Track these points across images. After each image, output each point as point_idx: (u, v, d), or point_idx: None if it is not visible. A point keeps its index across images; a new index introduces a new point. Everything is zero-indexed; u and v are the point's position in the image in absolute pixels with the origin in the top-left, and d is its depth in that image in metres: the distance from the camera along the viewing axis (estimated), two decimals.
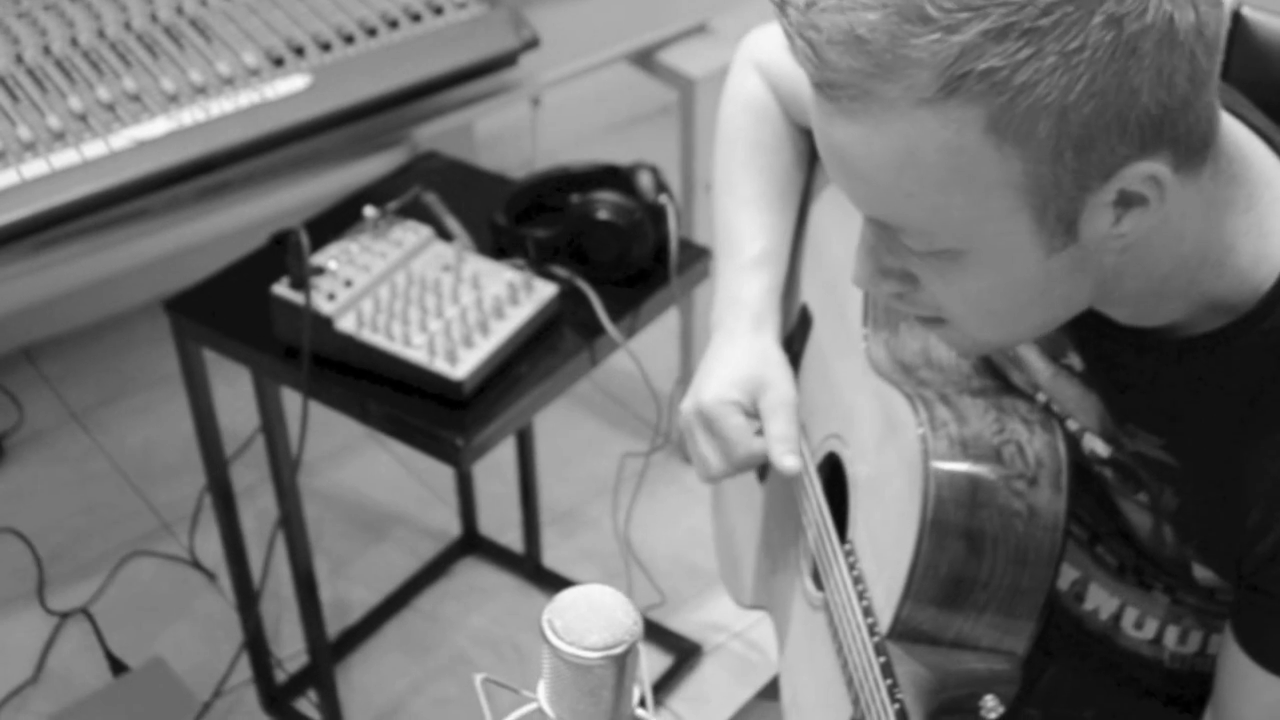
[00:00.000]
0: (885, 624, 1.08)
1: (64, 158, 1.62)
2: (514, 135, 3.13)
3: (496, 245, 1.83)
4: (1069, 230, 0.89)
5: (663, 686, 2.22)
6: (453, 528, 2.46)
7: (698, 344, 2.22)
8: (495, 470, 2.42)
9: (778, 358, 1.30)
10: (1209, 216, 0.94)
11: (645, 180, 1.82)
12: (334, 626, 2.22)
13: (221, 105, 1.68)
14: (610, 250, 1.77)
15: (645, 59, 2.17)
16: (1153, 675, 1.14)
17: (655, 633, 2.27)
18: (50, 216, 1.61)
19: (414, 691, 2.20)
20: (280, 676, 2.19)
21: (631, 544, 2.27)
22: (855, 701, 1.11)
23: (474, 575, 2.40)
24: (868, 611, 1.10)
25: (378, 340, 1.65)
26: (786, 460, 1.24)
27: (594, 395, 2.69)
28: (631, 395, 2.69)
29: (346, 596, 2.30)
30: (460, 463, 1.62)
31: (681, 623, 2.30)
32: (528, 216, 1.90)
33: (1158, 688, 1.15)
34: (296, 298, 1.66)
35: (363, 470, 2.54)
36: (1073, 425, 1.08)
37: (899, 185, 0.88)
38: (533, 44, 1.84)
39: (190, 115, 1.66)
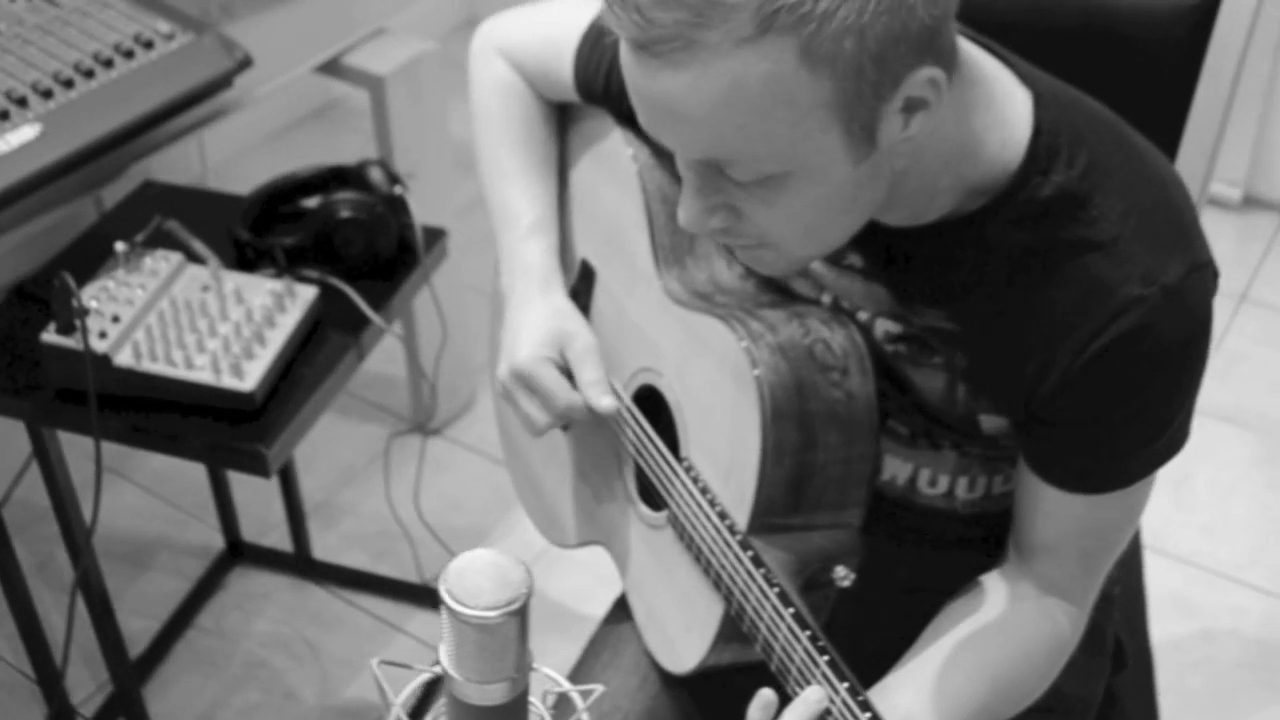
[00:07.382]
0: (743, 521, 1.22)
1: None
2: (182, 155, 3.13)
3: (241, 259, 1.89)
4: (870, 139, 1.04)
5: None
6: (214, 542, 2.49)
7: (451, 317, 2.31)
8: (237, 478, 2.45)
9: (571, 310, 1.43)
10: (961, 115, 1.11)
11: (377, 174, 1.92)
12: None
13: None
14: (358, 245, 1.86)
15: (332, 65, 2.24)
16: (949, 525, 1.32)
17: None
18: None
19: (218, 706, 2.23)
20: None
21: (403, 519, 2.36)
22: (728, 597, 1.25)
23: (247, 582, 2.44)
24: (723, 515, 1.25)
25: (160, 369, 1.69)
26: (603, 401, 1.37)
27: None
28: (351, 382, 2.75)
29: (125, 629, 2.30)
30: (267, 471, 1.69)
31: None
32: (261, 227, 1.97)
33: (954, 535, 1.33)
34: (70, 341, 1.68)
35: (109, 505, 2.52)
36: (863, 315, 1.25)
37: (729, 119, 1.01)
38: (247, 64, 1.90)
39: None
